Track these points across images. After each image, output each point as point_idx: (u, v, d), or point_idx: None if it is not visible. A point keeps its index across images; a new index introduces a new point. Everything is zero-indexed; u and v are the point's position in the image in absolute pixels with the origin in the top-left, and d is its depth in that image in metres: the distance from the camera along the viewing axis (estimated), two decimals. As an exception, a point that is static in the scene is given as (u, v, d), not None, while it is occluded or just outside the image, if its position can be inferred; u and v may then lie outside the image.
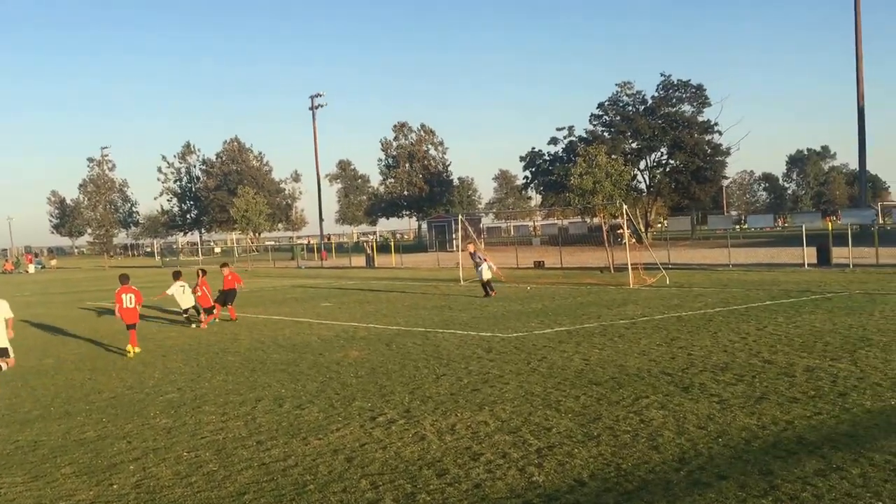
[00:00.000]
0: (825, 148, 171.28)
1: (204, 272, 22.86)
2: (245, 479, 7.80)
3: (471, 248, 27.79)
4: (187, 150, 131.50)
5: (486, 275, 26.73)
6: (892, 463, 7.39)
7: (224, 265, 24.52)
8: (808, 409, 9.55)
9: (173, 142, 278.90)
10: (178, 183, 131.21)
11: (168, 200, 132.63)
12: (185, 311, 21.75)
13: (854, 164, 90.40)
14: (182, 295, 21.56)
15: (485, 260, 27.06)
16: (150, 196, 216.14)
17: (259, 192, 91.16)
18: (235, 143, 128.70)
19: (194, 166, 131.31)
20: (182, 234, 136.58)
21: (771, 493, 6.77)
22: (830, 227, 39.68)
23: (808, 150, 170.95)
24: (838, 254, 35.77)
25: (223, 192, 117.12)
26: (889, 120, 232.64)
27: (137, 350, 16.98)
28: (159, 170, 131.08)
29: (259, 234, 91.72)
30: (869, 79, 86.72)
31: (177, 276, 22.06)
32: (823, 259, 35.41)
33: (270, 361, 15.08)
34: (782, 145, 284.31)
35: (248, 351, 16.60)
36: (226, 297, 23.03)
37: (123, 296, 17.48)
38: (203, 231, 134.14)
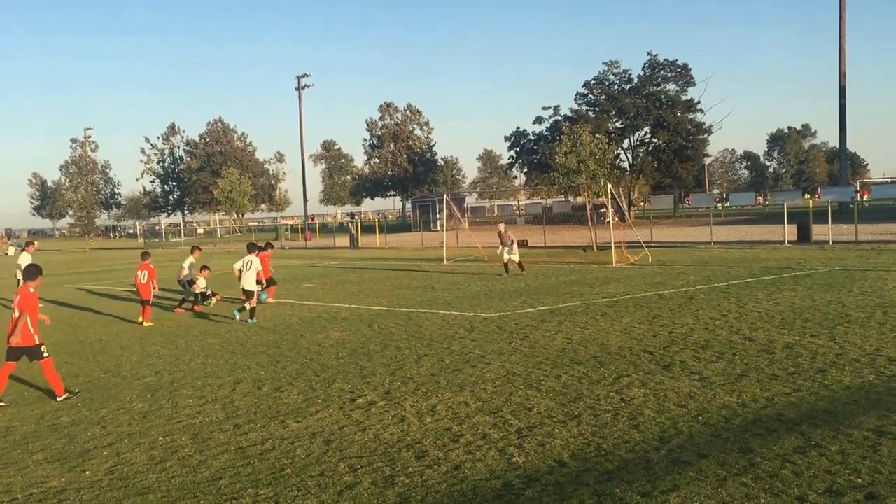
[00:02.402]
0: (806, 126, 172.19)
1: (270, 246, 22.24)
2: (221, 464, 7.71)
3: (501, 227, 27.69)
4: (171, 130, 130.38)
5: (516, 256, 26.70)
6: (870, 439, 7.39)
7: (269, 245, 23.68)
8: (787, 386, 9.55)
9: (157, 123, 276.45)
10: (161, 164, 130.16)
11: (151, 182, 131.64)
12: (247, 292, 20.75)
13: (834, 142, 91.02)
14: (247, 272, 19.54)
15: (513, 241, 27.02)
16: (132, 177, 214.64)
17: (243, 173, 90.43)
18: (219, 124, 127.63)
19: (178, 147, 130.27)
20: (165, 215, 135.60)
21: (751, 470, 6.75)
22: (810, 205, 39.85)
23: (789, 128, 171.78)
24: (818, 231, 35.96)
25: (206, 172, 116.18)
26: (869, 98, 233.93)
27: (148, 324, 17.95)
28: (142, 151, 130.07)
29: (242, 214, 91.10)
30: (850, 57, 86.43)
31: (252, 248, 19.79)
32: (804, 236, 35.60)
33: (250, 343, 14.95)
34: (763, 124, 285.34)
35: (228, 333, 16.45)
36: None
37: (139, 272, 18.48)
38: (186, 212, 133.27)
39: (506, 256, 26.63)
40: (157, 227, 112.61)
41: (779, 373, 10.26)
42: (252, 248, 19.48)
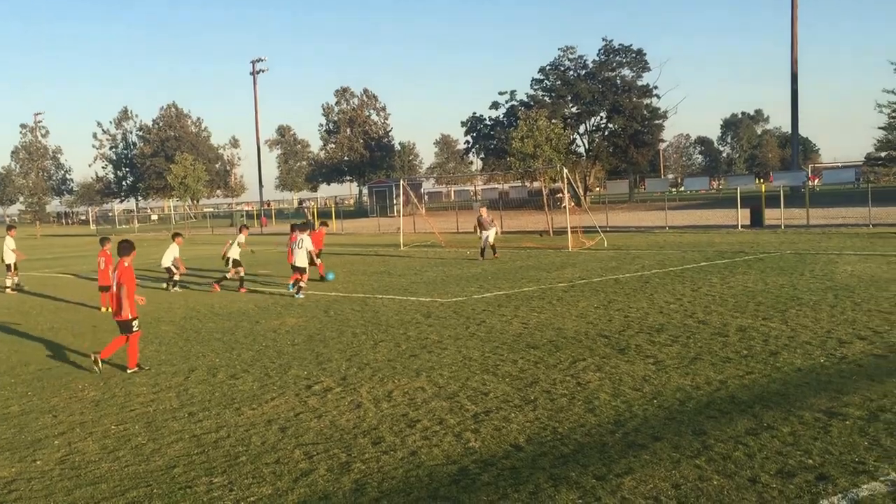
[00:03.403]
0: (759, 112, 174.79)
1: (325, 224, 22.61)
2: (175, 452, 7.59)
3: (483, 211, 27.58)
4: (124, 115, 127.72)
5: (492, 238, 26.78)
6: (821, 421, 7.52)
7: (324, 223, 23.09)
8: (740, 368, 9.69)
9: (110, 108, 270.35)
10: (113, 150, 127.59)
11: (103, 167, 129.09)
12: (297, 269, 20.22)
13: (786, 128, 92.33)
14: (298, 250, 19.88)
15: (493, 224, 26.99)
16: (85, 163, 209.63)
17: (197, 159, 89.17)
18: (173, 109, 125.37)
19: (131, 132, 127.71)
20: (118, 201, 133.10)
21: (704, 452, 6.83)
22: (763, 190, 40.46)
23: (743, 113, 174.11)
24: (771, 215, 36.57)
25: (160, 158, 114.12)
26: (821, 84, 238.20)
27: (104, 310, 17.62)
28: (94, 136, 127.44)
29: (197, 200, 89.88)
30: (802, 43, 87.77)
31: (303, 228, 20.67)
32: (756, 220, 36.17)
33: (205, 330, 14.76)
34: (717, 109, 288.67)
35: (182, 320, 16.23)
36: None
37: (99, 259, 18.27)
38: (139, 198, 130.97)
39: (485, 240, 26.55)
40: (111, 214, 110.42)
41: (732, 356, 10.41)
42: (303, 227, 20.54)
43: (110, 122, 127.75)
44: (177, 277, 21.92)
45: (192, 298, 19.82)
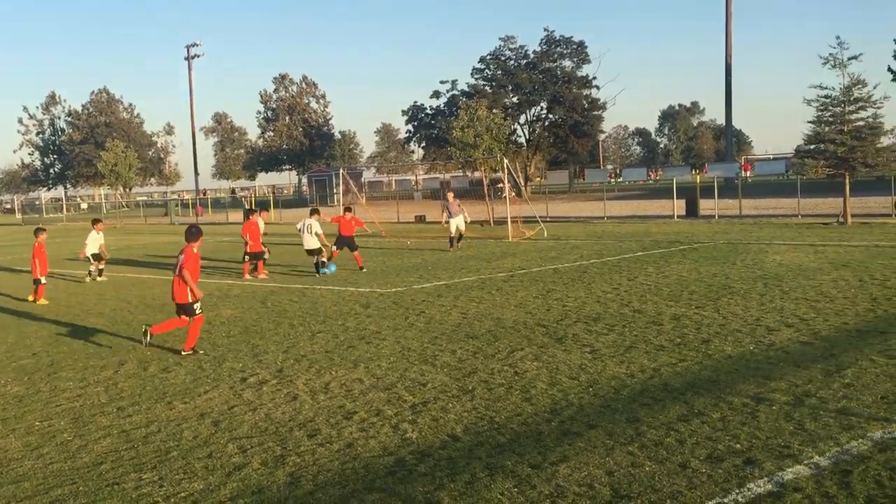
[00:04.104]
0: (695, 104, 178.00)
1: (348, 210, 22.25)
2: (102, 448, 7.38)
3: (450, 196, 26.96)
4: (52, 100, 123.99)
5: (460, 227, 26.13)
6: (749, 406, 7.68)
7: (347, 209, 22.50)
8: (673, 356, 9.85)
9: (37, 93, 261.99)
10: (40, 135, 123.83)
11: (29, 154, 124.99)
12: (311, 252, 20.48)
13: (721, 120, 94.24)
14: (308, 236, 20.29)
15: (462, 210, 26.23)
16: (9, 149, 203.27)
17: (129, 146, 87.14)
18: (104, 94, 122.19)
19: (59, 118, 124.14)
20: (45, 189, 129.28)
21: (637, 439, 6.92)
22: (698, 181, 41.29)
23: (680, 105, 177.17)
24: (705, 206, 37.32)
25: (90, 145, 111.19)
26: (754, 77, 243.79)
27: (34, 301, 17.41)
28: (20, 121, 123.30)
29: (129, 189, 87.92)
30: (736, 37, 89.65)
31: (313, 212, 21.21)
32: (692, 211, 36.89)
33: (137, 322, 14.38)
34: (655, 101, 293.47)
35: (113, 312, 15.83)
36: (347, 242, 21.54)
37: (35, 249, 17.90)
38: (68, 186, 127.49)
39: (453, 229, 25.83)
40: (37, 202, 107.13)
41: (666, 344, 10.57)
42: (313, 212, 21.15)
43: (37, 107, 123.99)
44: (102, 266, 21.40)
45: (124, 290, 19.35)
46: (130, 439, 7.63)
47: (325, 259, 20.34)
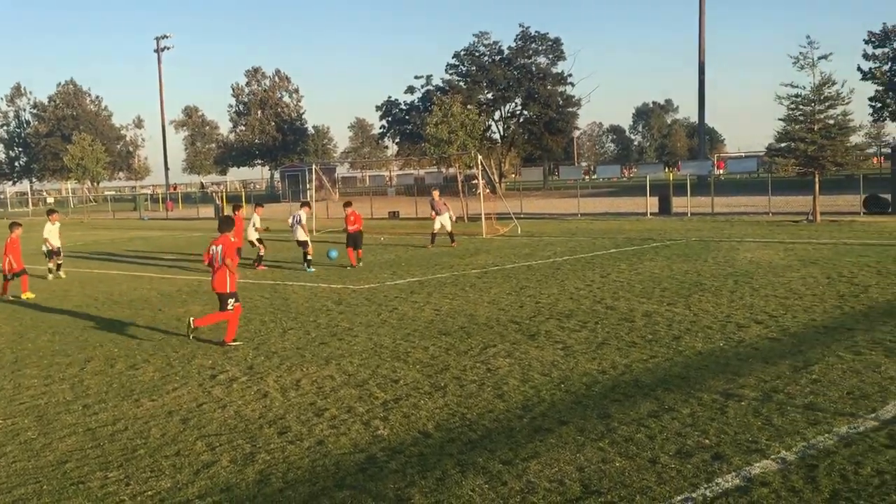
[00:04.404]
0: (669, 101, 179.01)
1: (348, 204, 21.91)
2: (67, 447, 7.27)
3: (435, 194, 26.70)
4: (17, 92, 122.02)
5: (449, 225, 25.79)
6: (718, 402, 7.72)
7: (348, 204, 22.06)
8: (645, 352, 9.88)
9: (1, 84, 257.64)
10: (5, 128, 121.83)
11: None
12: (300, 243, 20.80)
13: (695, 118, 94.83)
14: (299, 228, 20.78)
15: (448, 209, 25.91)
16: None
17: (96, 139, 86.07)
18: (71, 86, 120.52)
19: (24, 110, 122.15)
20: (10, 183, 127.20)
21: (608, 435, 6.93)
22: (671, 178, 41.55)
23: (654, 102, 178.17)
24: (678, 203, 37.53)
25: (56, 138, 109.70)
26: (727, 75, 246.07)
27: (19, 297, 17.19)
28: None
29: (97, 183, 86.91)
30: (710, 35, 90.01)
31: (303, 204, 21.92)
32: (664, 208, 37.10)
33: (103, 319, 14.23)
34: (630, 98, 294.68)
35: (78, 308, 15.60)
36: (355, 240, 21.04)
37: (7, 243, 17.66)
38: (34, 180, 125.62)
39: (437, 226, 25.60)
40: (2, 196, 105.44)
41: (637, 340, 10.60)
42: (303, 204, 22.32)
43: (1, 99, 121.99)
44: (60, 261, 20.92)
45: (90, 286, 19.10)
46: (96, 437, 7.52)
47: (309, 254, 20.39)
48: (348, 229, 21.27)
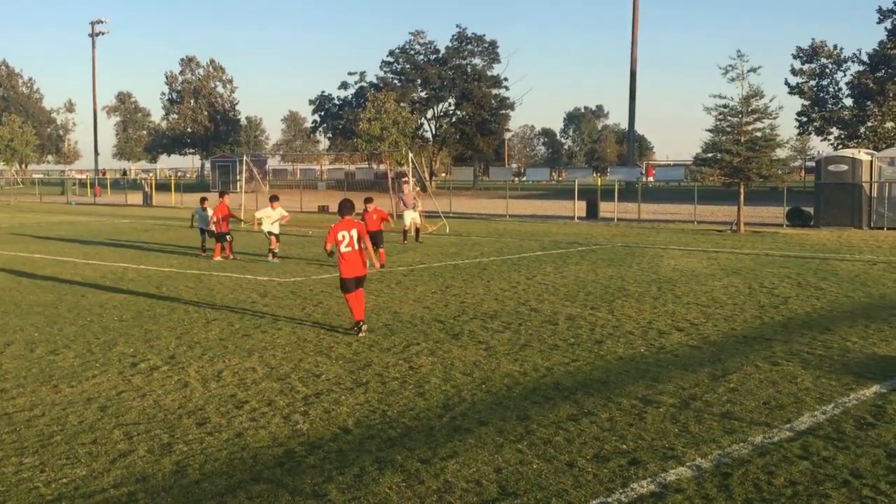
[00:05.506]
0: (599, 107, 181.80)
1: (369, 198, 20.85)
2: (-20, 433, 7.10)
3: (406, 187, 26.03)
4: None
5: (416, 220, 25.07)
6: (637, 407, 7.93)
7: (369, 200, 20.43)
8: (566, 356, 10.07)
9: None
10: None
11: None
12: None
13: (624, 124, 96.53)
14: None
15: (417, 205, 25.22)
16: None
17: (27, 121, 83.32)
18: (3, 67, 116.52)
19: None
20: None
21: (527, 437, 7.06)
22: (599, 183, 42.28)
23: (585, 108, 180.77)
24: (605, 208, 38.23)
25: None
26: (657, 83, 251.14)
27: None
28: None
29: (25, 165, 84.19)
30: (642, 44, 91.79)
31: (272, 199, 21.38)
32: (592, 213, 37.73)
33: (25, 303, 13.85)
34: (561, 102, 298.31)
35: (1, 291, 15.17)
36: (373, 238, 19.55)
37: None
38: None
39: (407, 221, 25.03)
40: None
41: (560, 343, 10.80)
42: (272, 198, 21.40)
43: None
44: None
45: (14, 269, 18.54)
46: (13, 422, 7.37)
47: (274, 249, 20.39)
48: (369, 228, 18.35)
